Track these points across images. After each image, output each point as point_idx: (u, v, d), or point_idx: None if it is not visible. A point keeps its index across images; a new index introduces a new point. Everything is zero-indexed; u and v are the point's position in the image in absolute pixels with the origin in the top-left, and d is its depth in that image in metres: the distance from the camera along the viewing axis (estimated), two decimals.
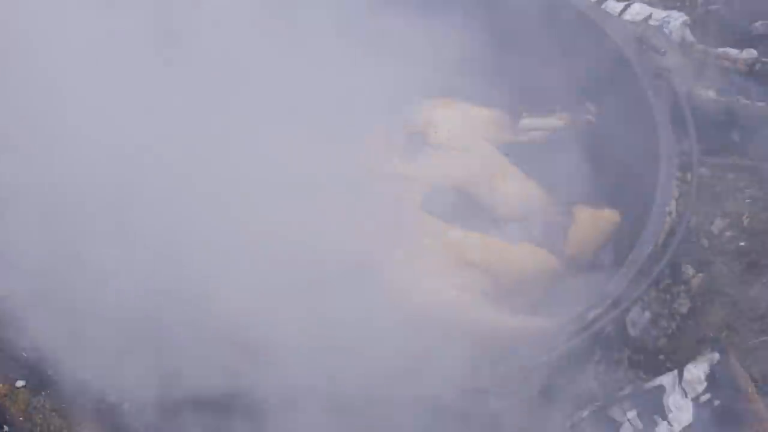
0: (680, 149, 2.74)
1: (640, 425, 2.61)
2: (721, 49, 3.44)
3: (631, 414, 2.62)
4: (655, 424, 2.62)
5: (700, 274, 3.13)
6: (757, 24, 3.70)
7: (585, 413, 2.69)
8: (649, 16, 3.34)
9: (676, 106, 2.83)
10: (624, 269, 2.53)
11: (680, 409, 2.61)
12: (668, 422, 2.60)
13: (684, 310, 3.10)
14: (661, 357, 3.05)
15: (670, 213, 2.63)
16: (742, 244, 3.20)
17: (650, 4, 3.63)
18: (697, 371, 2.65)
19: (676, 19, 3.43)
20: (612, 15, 3.12)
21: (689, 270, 3.14)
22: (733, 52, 3.43)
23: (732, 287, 3.11)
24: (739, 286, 3.11)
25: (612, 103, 2.94)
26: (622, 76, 2.90)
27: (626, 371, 3.04)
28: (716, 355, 2.69)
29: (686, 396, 2.64)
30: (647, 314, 3.09)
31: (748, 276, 3.12)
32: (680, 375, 2.67)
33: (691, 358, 2.92)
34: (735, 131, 3.33)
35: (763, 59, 3.42)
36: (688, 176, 2.72)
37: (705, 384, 2.65)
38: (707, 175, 3.34)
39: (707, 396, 2.63)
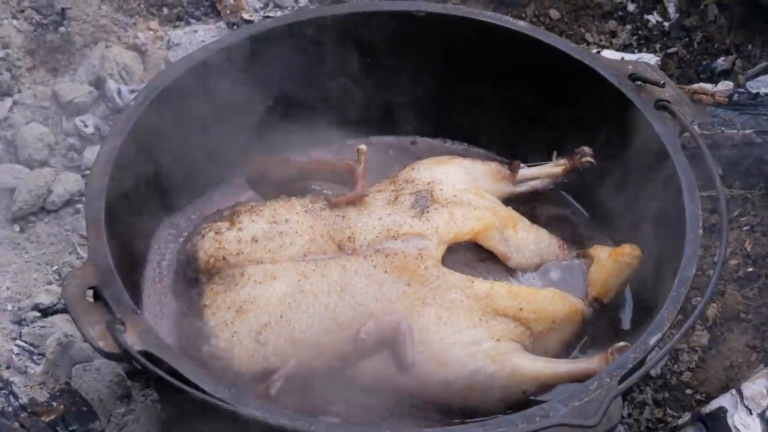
0: (699, 179, 2.73)
1: None
2: (696, 85, 3.51)
3: None
4: None
5: (714, 304, 3.13)
6: (720, 60, 3.80)
7: None
8: (622, 59, 3.38)
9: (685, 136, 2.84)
10: (666, 308, 2.48)
11: (747, 427, 2.58)
12: None
13: (704, 341, 3.09)
14: (689, 391, 3.03)
15: (701, 248, 2.60)
16: (750, 270, 3.21)
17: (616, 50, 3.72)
18: (757, 387, 2.63)
19: (649, 60, 3.49)
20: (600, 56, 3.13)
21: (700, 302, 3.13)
22: (708, 86, 3.50)
23: (750, 312, 3.12)
24: (758, 310, 3.12)
25: (616, 140, 2.94)
26: (623, 111, 2.91)
27: (653, 411, 3.01)
28: None
29: (751, 413, 2.62)
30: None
31: (763, 299, 3.14)
32: (740, 393, 2.65)
33: (727, 384, 2.92)
34: (720, 163, 3.37)
35: (740, 90, 3.50)
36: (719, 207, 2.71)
37: None
38: None
39: None
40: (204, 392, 2.24)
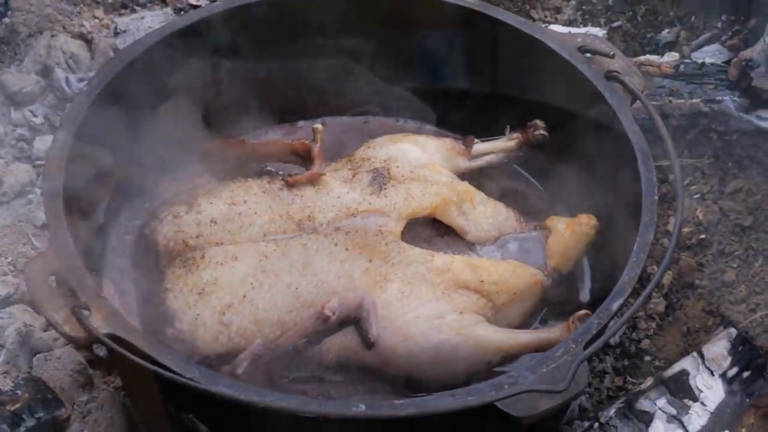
0: (652, 149, 2.76)
1: (673, 411, 2.61)
2: (643, 57, 3.55)
3: (661, 402, 2.63)
4: (688, 407, 2.63)
5: (669, 272, 3.18)
6: (665, 32, 3.84)
7: (612, 411, 2.68)
8: (570, 33, 3.40)
9: (634, 107, 2.88)
10: (626, 274, 2.50)
11: (710, 387, 2.63)
12: (701, 402, 2.61)
13: (661, 308, 3.14)
14: (648, 358, 3.07)
15: (657, 216, 2.63)
16: (703, 237, 3.26)
17: (562, 26, 3.76)
18: (717, 348, 2.68)
19: (597, 34, 3.52)
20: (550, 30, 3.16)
21: (656, 270, 3.18)
22: (654, 58, 3.54)
23: (704, 279, 3.17)
24: (711, 276, 3.17)
25: (568, 112, 2.97)
26: (574, 83, 2.93)
27: (613, 379, 3.05)
28: (733, 331, 2.73)
29: (713, 374, 2.66)
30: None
31: (717, 265, 3.18)
32: (701, 355, 2.70)
33: (685, 350, 2.96)
34: (669, 133, 3.41)
35: (686, 60, 3.54)
36: (669, 177, 2.73)
37: (730, 358, 2.67)
38: None
39: (734, 370, 2.66)
40: (174, 372, 2.23)
